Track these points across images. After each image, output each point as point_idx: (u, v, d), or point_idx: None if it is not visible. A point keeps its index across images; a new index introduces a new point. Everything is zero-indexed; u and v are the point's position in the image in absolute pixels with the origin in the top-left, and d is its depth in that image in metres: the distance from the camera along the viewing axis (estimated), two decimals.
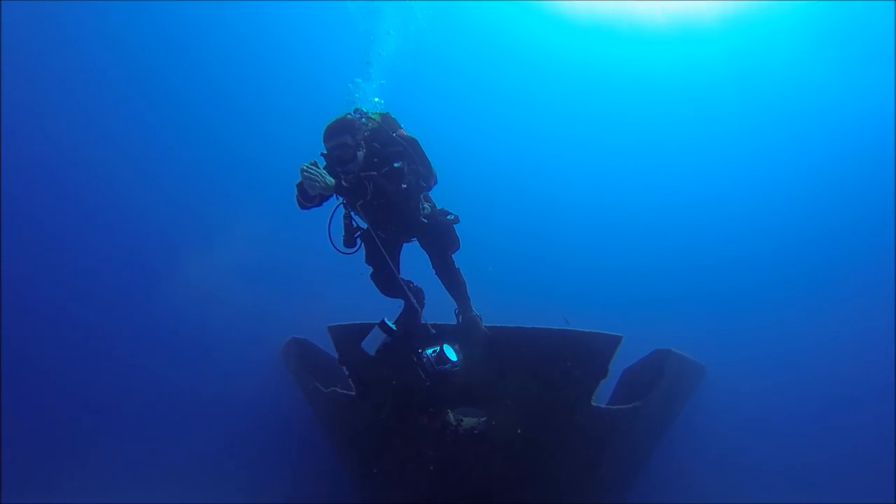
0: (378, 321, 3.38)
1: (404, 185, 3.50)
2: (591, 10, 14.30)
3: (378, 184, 3.43)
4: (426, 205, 3.80)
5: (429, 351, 3.03)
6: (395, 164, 3.45)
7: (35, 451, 8.11)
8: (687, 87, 15.56)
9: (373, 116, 3.72)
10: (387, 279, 3.70)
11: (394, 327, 3.31)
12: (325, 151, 3.46)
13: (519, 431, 3.77)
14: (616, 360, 3.89)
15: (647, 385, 4.60)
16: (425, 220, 3.70)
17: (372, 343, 3.45)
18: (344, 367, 4.22)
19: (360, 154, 3.41)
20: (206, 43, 14.64)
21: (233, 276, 10.50)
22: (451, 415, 3.88)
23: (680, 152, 16.40)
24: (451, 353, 2.89)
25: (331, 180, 3.30)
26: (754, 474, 7.78)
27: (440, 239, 3.78)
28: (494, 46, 15.82)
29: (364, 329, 3.60)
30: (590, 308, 11.62)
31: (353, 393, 4.20)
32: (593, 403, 3.87)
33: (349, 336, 3.84)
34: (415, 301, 3.62)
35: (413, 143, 3.69)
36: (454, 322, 3.76)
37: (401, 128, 3.84)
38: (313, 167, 3.27)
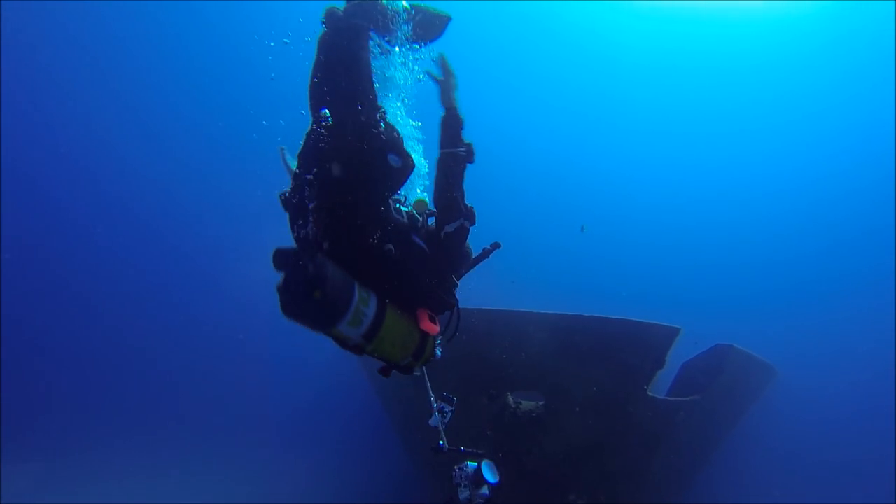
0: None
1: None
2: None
3: None
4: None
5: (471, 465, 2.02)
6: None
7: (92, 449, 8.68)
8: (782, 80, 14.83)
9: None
10: None
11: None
12: None
13: (575, 416, 3.91)
14: (678, 356, 3.97)
15: (708, 382, 4.60)
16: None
17: None
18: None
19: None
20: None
21: None
22: (510, 397, 4.09)
23: (740, 149, 15.67)
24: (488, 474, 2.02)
25: None
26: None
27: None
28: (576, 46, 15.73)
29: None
30: (656, 302, 11.41)
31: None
32: (650, 394, 3.95)
33: None
34: None
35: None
36: None
37: None
38: None
